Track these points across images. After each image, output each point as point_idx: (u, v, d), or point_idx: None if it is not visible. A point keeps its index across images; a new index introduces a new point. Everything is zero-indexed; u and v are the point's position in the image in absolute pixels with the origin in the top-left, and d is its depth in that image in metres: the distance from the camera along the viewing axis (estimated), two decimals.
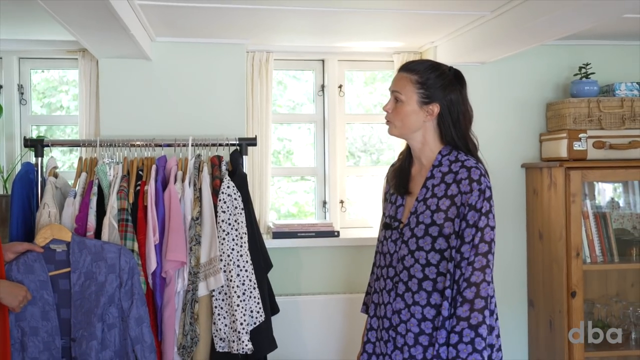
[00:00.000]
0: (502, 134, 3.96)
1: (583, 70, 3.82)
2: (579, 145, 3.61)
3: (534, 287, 3.87)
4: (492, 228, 2.15)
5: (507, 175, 3.96)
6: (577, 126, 3.65)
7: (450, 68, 2.28)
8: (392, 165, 2.46)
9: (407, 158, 2.38)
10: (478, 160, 2.27)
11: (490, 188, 2.18)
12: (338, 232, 3.84)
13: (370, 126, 4.36)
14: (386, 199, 2.44)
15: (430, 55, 3.96)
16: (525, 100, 3.98)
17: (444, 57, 3.83)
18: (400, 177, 2.36)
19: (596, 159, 3.61)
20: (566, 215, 3.55)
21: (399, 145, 3.97)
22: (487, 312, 2.11)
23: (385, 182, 2.49)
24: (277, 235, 3.77)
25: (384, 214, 2.45)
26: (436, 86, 2.23)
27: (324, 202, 4.20)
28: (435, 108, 2.24)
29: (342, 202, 4.19)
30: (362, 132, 4.37)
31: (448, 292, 2.15)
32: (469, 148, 2.27)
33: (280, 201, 4.35)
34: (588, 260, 3.62)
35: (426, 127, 2.27)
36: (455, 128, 2.26)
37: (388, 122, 2.31)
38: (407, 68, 2.27)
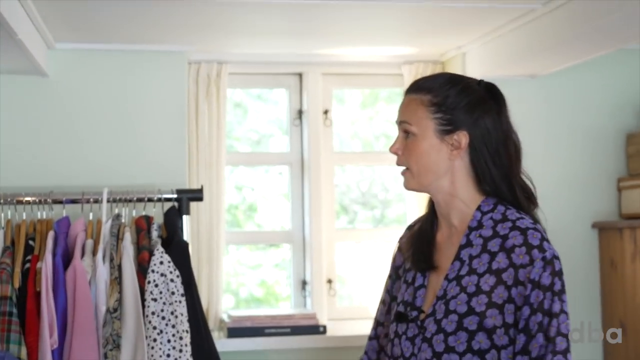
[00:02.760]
0: (563, 180, 3.99)
1: None
2: None
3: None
4: (568, 316, 2.16)
5: (571, 239, 3.96)
6: None
7: (480, 81, 2.30)
8: (409, 228, 2.46)
9: (429, 217, 2.37)
10: (535, 219, 2.26)
11: (558, 259, 2.19)
12: (325, 326, 3.82)
13: (371, 168, 4.36)
14: (398, 276, 2.42)
15: (457, 65, 3.99)
16: (595, 129, 4.01)
17: (476, 68, 3.87)
18: (420, 244, 2.35)
19: None
20: None
21: (416, 196, 3.97)
22: None
23: (397, 251, 2.48)
24: (235, 332, 3.75)
25: (388, 294, 2.44)
26: (460, 106, 2.23)
27: (304, 282, 4.18)
28: (463, 138, 2.23)
29: (329, 281, 4.17)
30: (358, 177, 4.37)
31: None
32: (518, 198, 2.27)
33: (240, 280, 4.33)
34: None
35: (454, 168, 2.27)
36: (496, 166, 2.26)
37: (403, 172, 2.30)
38: (416, 87, 2.28)
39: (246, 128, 4.37)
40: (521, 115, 3.83)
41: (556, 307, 2.15)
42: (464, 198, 2.29)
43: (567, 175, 3.99)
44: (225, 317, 3.86)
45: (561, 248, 3.72)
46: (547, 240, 2.20)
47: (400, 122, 2.28)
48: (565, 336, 2.14)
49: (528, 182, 2.30)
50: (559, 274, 2.17)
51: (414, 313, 2.29)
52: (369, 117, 4.43)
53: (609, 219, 3.96)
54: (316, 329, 3.80)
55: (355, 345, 3.82)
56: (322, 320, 4.00)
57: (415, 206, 3.99)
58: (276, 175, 4.30)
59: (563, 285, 2.17)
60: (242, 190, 4.38)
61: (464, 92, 2.24)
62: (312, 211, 4.16)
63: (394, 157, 2.33)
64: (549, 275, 2.15)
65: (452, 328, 2.20)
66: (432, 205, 2.37)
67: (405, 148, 2.27)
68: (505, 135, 2.28)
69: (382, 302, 2.48)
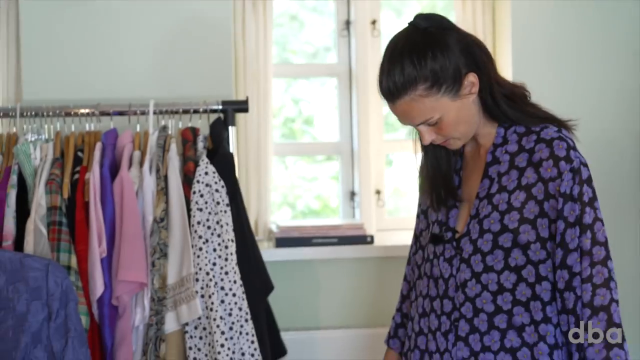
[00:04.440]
0: (611, 91, 3.93)
1: None
2: None
3: None
4: (603, 222, 2.17)
5: (618, 151, 3.94)
6: None
7: (418, 26, 2.20)
8: (421, 169, 2.46)
9: (436, 150, 2.36)
10: (559, 123, 2.25)
11: (586, 165, 2.18)
12: (372, 237, 3.84)
13: None
14: (424, 214, 2.45)
15: None
16: None
17: None
18: (437, 180, 2.35)
19: None
20: None
21: None
22: (626, 347, 2.12)
23: (420, 194, 2.50)
24: (283, 242, 3.79)
25: (419, 206, 2.49)
26: (445, 64, 2.16)
27: (352, 193, 4.20)
28: (470, 77, 2.20)
29: (378, 192, 4.19)
30: None
31: (545, 329, 2.18)
32: (522, 103, 2.26)
33: (296, 193, 4.36)
34: None
35: (476, 104, 2.27)
36: (498, 83, 2.25)
37: (445, 142, 2.29)
38: (400, 88, 2.17)
39: (302, 41, 4.37)
40: (569, 29, 3.89)
41: (589, 218, 2.15)
42: (486, 121, 2.29)
43: (616, 87, 3.92)
44: (273, 228, 3.91)
45: (606, 160, 3.79)
46: (574, 148, 2.19)
47: (418, 125, 2.23)
48: (603, 244, 2.15)
49: (520, 86, 2.29)
50: (587, 181, 2.17)
51: (449, 234, 2.31)
52: None
53: None
54: (363, 239, 3.83)
55: (402, 255, 3.81)
56: (370, 230, 4.03)
57: None
58: (332, 88, 4.30)
59: (594, 192, 2.17)
60: (298, 104, 4.39)
61: (433, 52, 2.15)
62: (360, 123, 4.16)
63: None
64: (577, 185, 2.15)
65: (488, 247, 2.22)
66: None
67: (437, 131, 2.23)
68: (475, 42, 2.24)
69: (417, 216, 2.52)
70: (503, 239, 2.20)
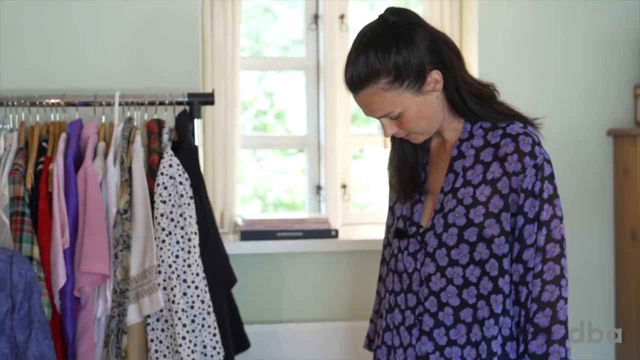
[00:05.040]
0: (579, 87, 3.96)
1: None
2: None
3: (625, 312, 3.89)
4: (561, 220, 2.20)
5: (585, 146, 3.96)
6: None
7: (386, 19, 2.21)
8: (389, 162, 2.47)
9: (403, 144, 2.37)
10: (524, 120, 2.27)
11: (549, 162, 2.21)
12: (337, 231, 3.85)
13: None
14: (393, 187, 2.46)
15: None
16: (612, 36, 3.96)
17: None
18: (404, 172, 2.36)
19: None
20: None
21: None
22: (568, 344, 2.16)
23: (390, 189, 2.50)
24: (248, 235, 3.79)
25: (388, 203, 2.49)
26: (408, 59, 2.17)
27: (318, 187, 4.20)
28: (434, 74, 2.21)
29: (344, 186, 4.20)
30: None
31: (502, 322, 2.20)
32: (489, 101, 2.27)
33: (267, 185, 4.36)
34: None
35: (440, 100, 2.28)
36: (464, 81, 2.26)
37: (407, 136, 2.30)
38: (362, 80, 2.18)
39: (274, 33, 4.36)
40: (535, 22, 3.91)
41: (546, 215, 2.18)
42: (453, 116, 2.31)
43: (582, 82, 3.95)
44: (239, 221, 3.91)
45: (576, 155, 3.82)
46: (539, 144, 2.21)
47: (380, 117, 2.24)
48: (559, 241, 2.19)
49: (487, 85, 2.30)
50: (549, 178, 2.19)
51: (413, 229, 2.32)
52: None
53: (625, 126, 3.94)
54: (328, 233, 3.84)
55: (366, 249, 3.88)
56: (335, 224, 4.04)
57: None
58: (300, 81, 4.30)
59: (555, 189, 2.19)
60: (271, 97, 4.38)
61: (397, 47, 2.17)
62: (327, 117, 4.17)
63: None
64: (539, 181, 2.18)
65: (453, 241, 2.23)
66: None
67: (399, 125, 2.24)
68: (444, 39, 2.25)
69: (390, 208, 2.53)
70: (468, 233, 2.21)
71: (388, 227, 2.50)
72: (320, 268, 3.92)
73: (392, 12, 2.23)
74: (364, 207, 4.37)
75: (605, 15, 3.96)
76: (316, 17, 4.19)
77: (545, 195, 2.18)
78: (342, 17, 4.17)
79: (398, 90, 2.17)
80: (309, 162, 4.23)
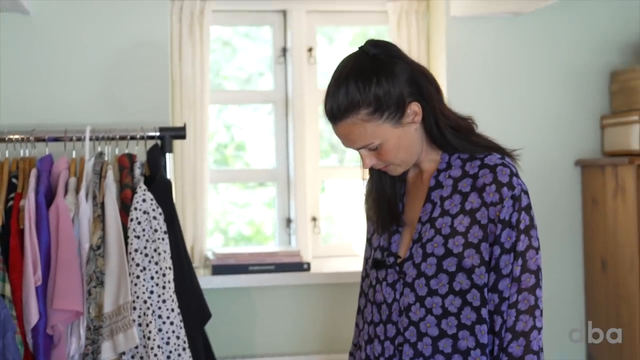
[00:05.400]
0: (547, 118, 3.99)
1: None
2: None
3: (596, 341, 3.90)
4: (537, 250, 2.21)
5: (554, 176, 4.00)
6: None
7: (366, 51, 2.24)
8: (367, 194, 2.46)
9: (381, 175, 2.38)
10: (502, 151, 2.28)
11: (527, 193, 2.22)
12: (309, 264, 3.85)
13: None
14: (370, 218, 2.46)
15: (440, 3, 3.96)
16: (579, 67, 4.01)
17: (459, 5, 3.86)
18: (382, 204, 2.37)
19: None
20: (639, 236, 3.60)
21: None
22: None
23: (367, 221, 2.50)
24: (220, 270, 3.77)
25: (366, 235, 2.48)
26: (389, 91, 2.19)
27: (288, 220, 4.20)
28: (414, 107, 2.23)
29: (314, 219, 4.19)
30: None
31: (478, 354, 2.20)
32: (468, 134, 2.28)
33: (228, 219, 4.35)
34: None
35: (420, 131, 2.29)
36: (443, 114, 2.27)
37: (386, 167, 2.31)
38: (342, 110, 2.19)
39: (235, 66, 4.37)
40: (504, 53, 3.95)
41: (522, 245, 2.19)
42: (430, 148, 2.31)
43: (550, 113, 3.99)
44: (209, 255, 3.89)
45: (542, 186, 3.87)
46: (517, 175, 2.23)
47: (359, 149, 2.25)
48: (534, 272, 2.20)
49: (465, 118, 2.31)
50: (526, 209, 2.21)
51: (391, 259, 2.32)
52: None
53: (592, 156, 3.98)
54: (300, 266, 3.83)
55: (338, 282, 3.88)
56: (307, 257, 4.03)
57: None
58: (264, 114, 4.30)
59: (532, 220, 2.21)
60: (230, 129, 4.38)
61: (378, 79, 2.19)
62: (296, 149, 4.17)
63: None
64: (516, 212, 2.19)
65: (432, 271, 2.23)
66: None
67: (378, 156, 2.26)
68: (423, 72, 2.27)
69: (368, 240, 2.52)
70: (447, 263, 2.21)
71: (366, 259, 2.49)
72: (292, 301, 3.91)
73: (372, 44, 2.24)
74: (327, 240, 4.35)
75: (573, 49, 4.01)
76: (284, 50, 4.20)
77: (522, 226, 2.19)
78: (310, 50, 4.18)
79: (378, 122, 2.18)
80: (279, 195, 4.22)
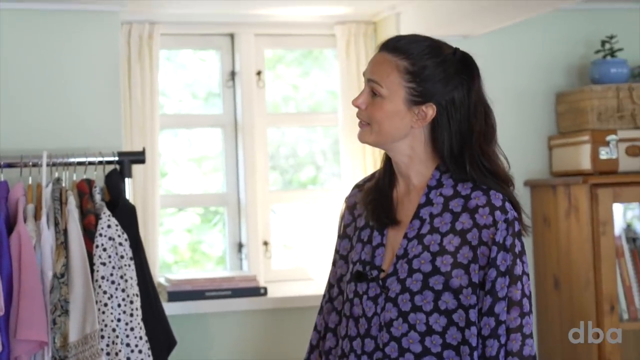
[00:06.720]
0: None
1: (607, 46, 3.95)
2: (607, 153, 3.72)
3: (548, 358, 3.95)
4: (528, 277, 2.22)
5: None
6: (602, 125, 3.76)
7: (456, 51, 2.27)
8: (358, 187, 2.45)
9: (387, 174, 2.38)
10: (509, 197, 2.26)
11: (517, 220, 2.23)
12: (265, 288, 3.85)
13: (306, 129, 4.37)
14: (347, 235, 2.42)
15: (390, 26, 4.01)
16: (526, 89, 4.08)
17: (409, 29, 3.87)
18: (380, 200, 2.35)
19: (632, 170, 3.73)
20: (594, 253, 3.64)
21: (354, 157, 4.00)
22: None
23: (345, 210, 2.47)
24: (175, 296, 3.74)
25: (337, 254, 2.44)
26: (435, 80, 2.20)
27: (240, 245, 4.17)
28: (430, 110, 2.23)
29: (266, 243, 4.18)
30: (293, 139, 4.38)
31: None
32: (473, 175, 2.26)
33: (172, 243, 4.31)
34: (626, 316, 3.72)
35: (415, 134, 2.27)
36: (456, 139, 2.25)
37: (362, 125, 2.30)
38: (394, 47, 2.24)
39: (184, 90, 4.34)
40: None
41: (519, 270, 2.21)
42: (423, 159, 2.30)
43: (498, 135, 4.04)
44: (162, 281, 3.84)
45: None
46: (510, 201, 2.23)
47: (369, 80, 2.26)
48: (528, 297, 2.22)
49: (500, 161, 2.29)
50: (518, 235, 2.22)
51: (374, 272, 2.30)
52: (301, 76, 4.44)
53: (541, 176, 4.05)
54: (257, 291, 3.81)
55: (295, 306, 3.87)
56: (261, 282, 4.01)
57: (350, 167, 4.03)
58: (215, 139, 4.28)
59: (523, 247, 2.23)
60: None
61: (442, 66, 2.21)
62: (246, 175, 4.15)
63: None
64: (510, 236, 2.20)
65: (417, 287, 2.22)
66: (387, 161, 2.37)
67: (370, 105, 2.25)
68: (473, 109, 2.25)
69: (333, 263, 2.47)
70: (434, 281, 2.20)
71: (340, 276, 2.44)
72: (249, 326, 3.90)
73: (466, 54, 2.27)
74: (278, 264, 4.34)
75: (520, 71, 4.09)
76: (233, 73, 4.18)
77: (516, 250, 2.19)
78: (259, 73, 4.17)
79: (400, 81, 2.20)
80: (229, 219, 4.19)
